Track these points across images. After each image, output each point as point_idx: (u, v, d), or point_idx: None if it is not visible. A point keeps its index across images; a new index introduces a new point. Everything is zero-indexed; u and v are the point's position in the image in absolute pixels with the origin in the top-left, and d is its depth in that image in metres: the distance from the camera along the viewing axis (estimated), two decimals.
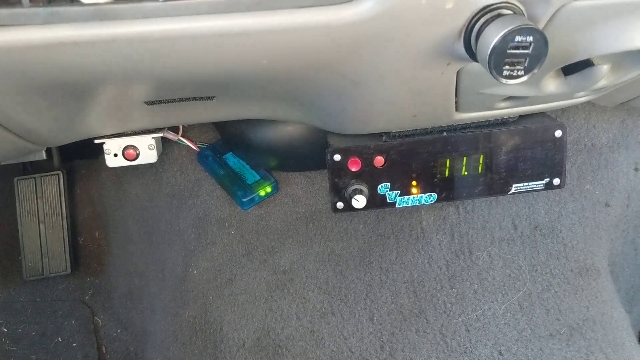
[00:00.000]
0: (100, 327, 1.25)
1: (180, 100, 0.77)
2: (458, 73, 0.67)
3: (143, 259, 1.21)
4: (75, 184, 1.29)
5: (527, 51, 0.52)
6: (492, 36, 0.52)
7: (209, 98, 0.77)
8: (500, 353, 1.00)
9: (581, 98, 0.81)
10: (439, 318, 1.04)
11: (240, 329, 1.04)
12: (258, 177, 1.12)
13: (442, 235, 1.10)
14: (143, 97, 0.73)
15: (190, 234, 1.14)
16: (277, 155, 1.08)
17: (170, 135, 1.07)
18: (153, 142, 0.99)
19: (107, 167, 1.00)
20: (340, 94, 0.70)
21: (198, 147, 1.15)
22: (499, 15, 0.53)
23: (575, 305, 1.04)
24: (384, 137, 0.89)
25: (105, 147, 0.98)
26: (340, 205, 0.92)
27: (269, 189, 1.12)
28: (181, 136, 1.10)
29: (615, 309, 1.06)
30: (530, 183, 0.92)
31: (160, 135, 1.00)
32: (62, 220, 1.23)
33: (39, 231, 1.23)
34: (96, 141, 0.96)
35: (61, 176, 1.22)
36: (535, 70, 0.54)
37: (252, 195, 1.10)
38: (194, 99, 0.77)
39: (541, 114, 0.92)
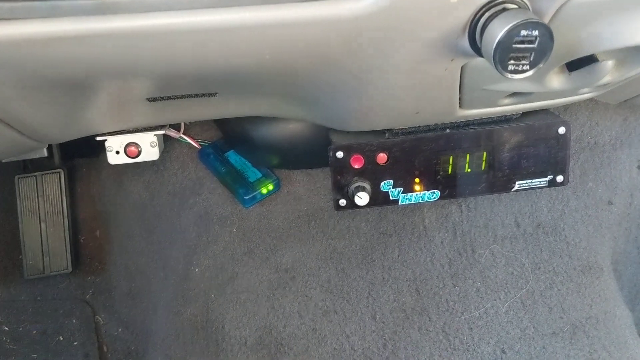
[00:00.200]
0: (102, 325, 1.25)
1: (182, 96, 0.76)
2: (462, 69, 0.66)
3: (144, 257, 1.21)
4: (76, 182, 1.29)
5: (533, 45, 0.52)
6: (497, 30, 0.51)
7: (210, 95, 0.77)
8: (503, 351, 1.00)
9: (585, 95, 0.81)
10: (442, 316, 1.03)
11: (242, 327, 1.04)
12: (260, 175, 1.12)
13: (445, 233, 1.09)
14: (145, 93, 0.73)
15: (191, 232, 1.13)
16: (279, 153, 1.08)
17: (172, 133, 1.07)
18: (155, 139, 0.99)
19: (108, 165, 1.00)
20: (343, 89, 0.70)
21: (200, 144, 1.15)
22: (504, 10, 0.53)
23: (578, 304, 1.04)
24: (386, 134, 0.89)
25: (106, 144, 0.97)
26: (342, 202, 0.92)
27: (270, 187, 1.11)
28: (183, 134, 1.10)
29: (618, 307, 1.06)
30: (533, 180, 0.92)
31: (162, 132, 1.00)
32: (63, 218, 1.23)
33: (40, 229, 1.22)
34: (98, 138, 0.95)
35: (62, 174, 1.22)
36: (541, 65, 0.53)
37: (254, 193, 1.10)
38: (196, 95, 0.77)
39: (544, 111, 0.92)
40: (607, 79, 0.72)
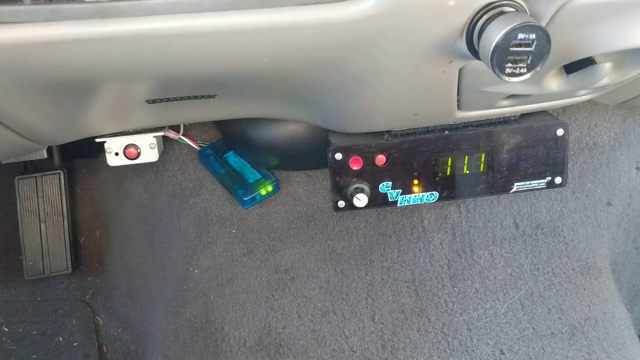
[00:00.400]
0: (101, 326, 1.25)
1: (182, 98, 0.77)
2: (460, 71, 0.67)
3: (144, 258, 1.21)
4: (75, 183, 1.29)
5: (530, 49, 0.52)
6: (495, 34, 0.51)
7: (210, 97, 0.77)
8: (501, 352, 1.00)
9: (583, 96, 0.81)
10: (441, 317, 1.03)
11: (241, 328, 1.04)
12: (259, 176, 1.12)
13: (444, 234, 1.10)
14: (144, 95, 0.73)
15: (191, 233, 1.13)
16: (278, 154, 1.08)
17: (171, 134, 1.07)
18: (154, 140, 0.99)
19: (108, 166, 1.00)
20: (342, 92, 0.70)
21: (199, 146, 1.15)
22: (502, 13, 0.53)
23: (577, 304, 1.04)
24: (385, 136, 0.89)
25: (106, 146, 0.98)
26: (341, 204, 0.92)
27: (270, 188, 1.11)
28: (182, 135, 1.10)
29: (617, 308, 1.06)
30: (532, 182, 0.92)
31: (161, 134, 1.00)
32: (62, 219, 1.23)
33: (40, 230, 1.22)
34: (97, 140, 0.96)
35: (62, 175, 1.22)
36: (538, 68, 0.54)
37: (253, 194, 1.10)
38: (195, 97, 0.77)
39: (543, 113, 0.92)
40: (605, 81, 0.72)
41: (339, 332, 1.03)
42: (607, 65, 0.70)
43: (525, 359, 0.99)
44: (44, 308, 1.25)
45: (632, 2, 0.58)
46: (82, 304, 1.26)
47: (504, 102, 0.79)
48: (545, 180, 0.93)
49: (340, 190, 0.91)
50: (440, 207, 1.11)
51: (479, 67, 0.64)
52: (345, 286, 1.07)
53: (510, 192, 0.93)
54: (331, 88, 0.70)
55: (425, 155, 0.89)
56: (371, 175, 0.90)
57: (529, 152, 0.90)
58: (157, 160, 1.02)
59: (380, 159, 0.89)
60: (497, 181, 0.92)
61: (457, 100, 0.75)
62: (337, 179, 0.91)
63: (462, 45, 0.57)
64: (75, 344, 1.23)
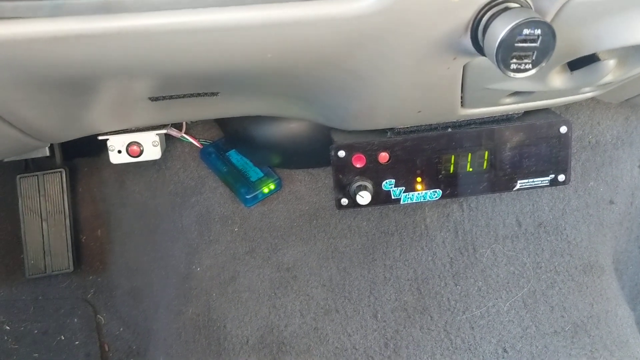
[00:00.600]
0: (103, 325, 1.25)
1: (184, 96, 0.77)
2: (464, 68, 0.66)
3: (146, 256, 1.21)
4: (77, 182, 1.28)
5: (535, 44, 0.52)
6: (500, 29, 0.51)
7: (212, 94, 0.77)
8: (504, 350, 1.00)
9: (586, 94, 0.81)
10: (443, 315, 1.03)
11: (243, 326, 1.04)
12: (261, 174, 1.12)
13: (446, 232, 1.10)
14: (147, 92, 0.73)
15: (193, 232, 1.13)
16: (280, 152, 1.08)
17: (174, 132, 1.07)
18: (157, 138, 0.99)
19: (110, 164, 1.00)
20: (345, 88, 0.70)
21: (201, 144, 1.15)
22: (507, 9, 0.53)
23: (579, 303, 1.04)
24: (388, 133, 0.89)
25: (109, 143, 0.97)
26: (344, 201, 0.92)
27: (272, 186, 1.11)
28: (184, 133, 1.10)
29: (619, 306, 1.06)
30: (535, 179, 0.92)
31: (163, 131, 1.00)
32: (64, 218, 1.23)
33: (41, 229, 1.22)
34: (100, 137, 0.96)
35: (63, 174, 1.22)
36: (543, 64, 0.53)
37: (256, 193, 1.10)
38: (198, 95, 0.77)
39: (546, 110, 0.92)
40: (608, 78, 0.72)
41: (341, 330, 1.03)
42: (611, 62, 0.69)
43: (528, 357, 0.99)
44: (46, 307, 1.25)
45: None
46: (84, 303, 1.26)
47: (508, 100, 0.79)
48: (548, 178, 0.92)
49: (343, 188, 0.91)
50: (442, 205, 1.11)
51: (483, 64, 0.64)
52: (348, 284, 1.07)
53: (513, 189, 0.93)
54: (334, 85, 0.70)
55: (428, 153, 0.89)
56: (374, 173, 0.90)
57: (532, 149, 0.90)
58: (159, 159, 1.02)
59: (383, 157, 0.89)
60: (500, 179, 0.92)
61: (461, 98, 0.75)
62: (340, 176, 0.91)
63: (467, 41, 0.57)
64: (76, 342, 1.23)
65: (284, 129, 1.03)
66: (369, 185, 0.90)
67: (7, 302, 1.25)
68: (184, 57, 0.55)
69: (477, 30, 0.55)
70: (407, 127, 0.88)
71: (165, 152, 1.14)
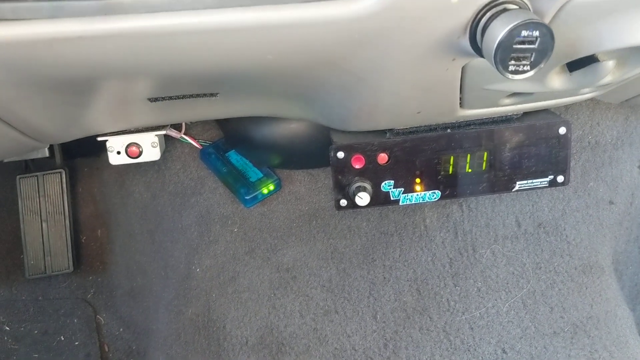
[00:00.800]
0: (103, 325, 1.25)
1: (184, 97, 0.77)
2: (463, 69, 0.66)
3: (145, 257, 1.21)
4: (77, 182, 1.29)
5: (534, 46, 0.52)
6: (498, 31, 0.51)
7: (212, 95, 0.77)
8: (503, 351, 1.00)
9: (586, 95, 0.81)
10: (443, 316, 1.03)
11: (243, 326, 1.04)
12: (261, 175, 1.12)
13: (446, 233, 1.10)
14: (146, 93, 0.73)
15: (193, 232, 1.13)
16: (280, 153, 1.08)
17: (173, 133, 1.07)
18: (156, 139, 0.99)
19: (109, 165, 1.00)
20: (345, 89, 0.70)
21: (201, 144, 1.15)
22: (505, 10, 0.53)
23: (579, 303, 1.04)
24: (387, 134, 0.89)
25: (108, 144, 0.97)
26: (343, 202, 0.92)
27: (272, 187, 1.11)
28: (184, 134, 1.10)
29: (619, 306, 1.06)
30: (534, 180, 0.92)
31: (163, 132, 1.00)
32: (64, 218, 1.23)
33: (41, 229, 1.22)
34: (99, 138, 0.96)
35: (63, 174, 1.22)
36: (542, 65, 0.53)
37: (255, 193, 1.10)
38: (197, 95, 0.77)
39: (545, 111, 0.92)
40: (608, 79, 0.72)
41: (341, 331, 1.03)
42: (610, 63, 0.70)
43: (528, 357, 0.99)
44: (46, 307, 1.25)
45: (635, 0, 0.58)
46: (84, 303, 1.26)
47: (507, 101, 0.79)
48: (547, 179, 0.92)
49: (343, 189, 0.91)
50: (442, 206, 1.11)
51: (482, 65, 0.64)
52: (347, 285, 1.07)
53: (513, 190, 0.93)
54: (334, 86, 0.70)
55: (427, 154, 0.89)
56: (373, 174, 0.90)
57: (532, 150, 0.90)
58: (159, 159, 1.02)
59: (383, 158, 0.89)
60: (500, 180, 0.92)
61: (460, 99, 0.75)
62: (339, 177, 0.91)
63: (465, 42, 0.57)
64: (76, 343, 1.23)
65: (284, 130, 1.03)
66: (368, 186, 0.90)
67: (7, 302, 1.25)
68: (183, 58, 0.55)
69: (475, 31, 0.55)
70: (406, 128, 0.88)
71: (165, 152, 1.14)
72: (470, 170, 0.91)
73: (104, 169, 1.26)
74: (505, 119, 0.89)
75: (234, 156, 1.15)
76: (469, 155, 0.90)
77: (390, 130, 0.88)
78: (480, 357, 1.00)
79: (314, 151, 1.05)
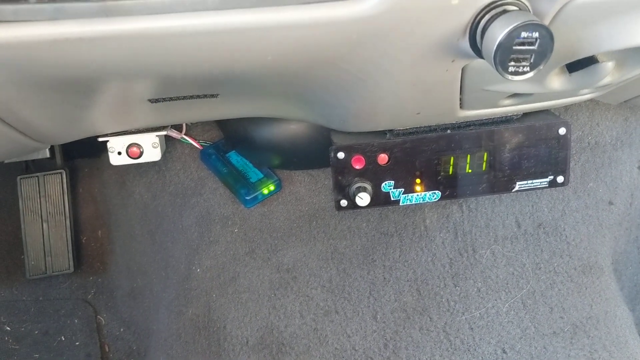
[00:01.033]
0: (103, 325, 1.25)
1: (184, 98, 0.77)
2: (463, 70, 0.67)
3: (146, 257, 1.21)
4: (78, 183, 1.29)
5: (533, 47, 0.52)
6: (498, 32, 0.52)
7: (212, 96, 0.77)
8: (503, 351, 1.00)
9: (585, 95, 0.81)
10: (443, 316, 1.04)
11: (243, 327, 1.04)
12: (261, 175, 1.12)
13: (446, 233, 1.10)
14: (147, 94, 0.73)
15: (193, 232, 1.14)
16: (280, 154, 1.08)
17: (174, 134, 1.07)
18: (157, 140, 0.99)
19: (110, 165, 1.00)
20: (345, 90, 0.70)
21: (201, 145, 1.15)
22: (505, 12, 0.53)
23: (578, 303, 1.04)
24: (387, 135, 0.90)
25: (109, 145, 0.98)
26: (344, 203, 0.92)
27: (272, 187, 1.12)
28: (184, 134, 1.10)
29: (618, 307, 1.06)
30: (534, 181, 0.92)
31: (163, 133, 1.00)
32: (65, 219, 1.23)
33: (42, 230, 1.23)
34: (100, 139, 0.96)
35: (64, 175, 1.22)
36: (541, 67, 0.54)
37: (256, 194, 1.10)
38: (198, 96, 0.77)
39: (545, 112, 0.92)
40: (607, 79, 0.72)
41: (341, 331, 1.03)
42: (609, 64, 0.70)
43: (527, 358, 0.99)
44: (46, 307, 1.26)
45: (635, 2, 0.58)
46: (84, 304, 1.26)
47: (507, 101, 0.79)
48: (547, 180, 0.93)
49: (343, 190, 0.91)
50: (442, 206, 1.11)
51: (482, 66, 0.65)
52: (348, 285, 1.07)
53: (512, 191, 0.93)
54: (333, 87, 0.70)
55: (427, 155, 0.90)
56: (373, 175, 0.91)
57: (531, 151, 0.90)
58: (160, 160, 1.02)
59: (383, 158, 0.89)
60: (499, 180, 0.92)
61: (460, 99, 0.75)
62: (340, 178, 0.91)
63: (465, 43, 0.57)
64: (77, 343, 1.23)
65: (284, 130, 1.04)
66: (368, 186, 0.90)
67: (8, 302, 1.25)
68: (184, 60, 0.55)
69: (475, 32, 0.55)
70: (406, 129, 0.88)
71: (165, 153, 1.14)
72: (470, 171, 0.91)
73: (104, 169, 1.26)
74: (505, 120, 0.89)
75: (234, 157, 1.15)
76: (468, 156, 0.90)
77: (390, 131, 0.89)
78: (480, 357, 1.00)
79: (314, 152, 1.05)
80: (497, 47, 0.52)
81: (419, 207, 1.11)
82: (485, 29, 0.53)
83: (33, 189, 1.22)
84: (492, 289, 1.06)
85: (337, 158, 0.89)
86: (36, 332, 1.24)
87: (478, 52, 0.56)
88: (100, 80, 0.64)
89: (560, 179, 0.93)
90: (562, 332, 1.02)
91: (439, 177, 0.91)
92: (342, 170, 0.90)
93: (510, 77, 0.54)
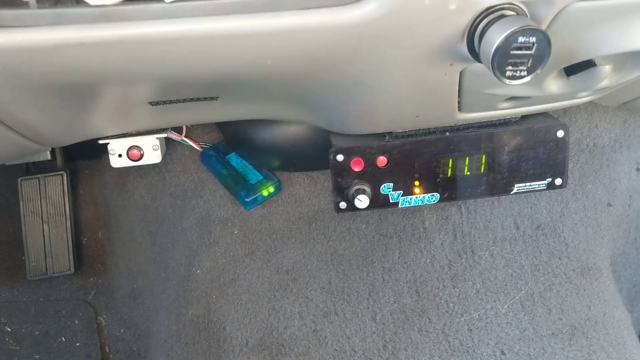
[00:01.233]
0: (104, 326, 1.26)
1: (184, 100, 0.77)
2: (461, 73, 0.67)
3: (146, 258, 1.21)
4: (78, 184, 1.29)
5: (530, 52, 0.52)
6: (495, 37, 0.52)
7: (212, 98, 0.77)
8: (502, 352, 1.00)
9: (583, 98, 0.82)
10: (442, 317, 1.04)
11: (243, 328, 1.04)
12: (261, 177, 1.13)
13: (445, 235, 1.10)
14: (147, 97, 0.74)
15: (193, 234, 1.14)
16: (280, 155, 1.09)
17: (174, 136, 1.08)
18: (157, 142, 0.99)
19: (110, 167, 1.00)
20: (344, 94, 0.71)
21: (201, 147, 1.16)
22: (502, 16, 0.53)
23: (577, 305, 1.05)
24: (386, 137, 0.90)
25: (109, 147, 0.98)
26: (343, 205, 0.92)
27: (271, 189, 1.12)
28: (184, 136, 1.10)
29: (617, 308, 1.06)
30: (532, 183, 0.93)
31: (164, 135, 1.01)
32: (65, 220, 1.23)
33: (43, 231, 1.23)
34: (100, 141, 0.96)
35: (65, 176, 1.23)
36: (538, 71, 0.54)
37: (255, 195, 1.11)
38: (198, 99, 0.77)
39: (543, 114, 0.93)
40: (605, 83, 0.73)
41: (340, 333, 1.03)
42: (607, 68, 0.70)
43: (526, 359, 1.00)
44: (47, 308, 1.26)
45: (632, 6, 0.59)
46: (85, 305, 1.27)
47: (505, 104, 0.79)
48: (545, 182, 0.93)
49: (342, 192, 0.92)
50: (441, 208, 1.12)
51: (480, 70, 0.65)
52: (347, 287, 1.07)
53: (511, 193, 0.93)
54: (333, 90, 0.70)
55: (426, 157, 0.90)
56: (372, 177, 0.91)
57: (530, 153, 0.91)
58: (160, 162, 1.02)
59: (382, 161, 0.90)
60: (498, 182, 0.92)
61: (458, 102, 0.75)
62: (339, 180, 0.91)
63: (463, 48, 0.58)
64: (77, 344, 1.23)
65: (284, 133, 1.04)
66: (367, 188, 0.90)
67: (9, 303, 1.26)
68: (184, 64, 0.56)
69: (473, 37, 0.56)
70: (405, 131, 0.88)
71: (165, 155, 1.14)
72: (468, 173, 0.92)
73: (104, 171, 1.27)
74: (504, 122, 0.89)
75: (234, 159, 1.15)
76: (467, 158, 0.90)
77: (389, 133, 0.89)
78: (479, 359, 1.00)
79: (313, 154, 1.05)
80: (494, 52, 0.52)
81: (418, 209, 1.12)
82: (483, 34, 0.54)
83: (34, 190, 1.22)
84: (491, 291, 1.06)
85: (336, 160, 0.90)
86: (37, 332, 1.24)
87: (476, 56, 0.56)
88: (101, 85, 0.64)
89: (558, 181, 0.93)
90: (560, 333, 1.02)
91: (438, 180, 0.92)
92: (342, 173, 0.91)
93: (507, 81, 0.54)
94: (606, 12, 0.59)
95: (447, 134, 0.89)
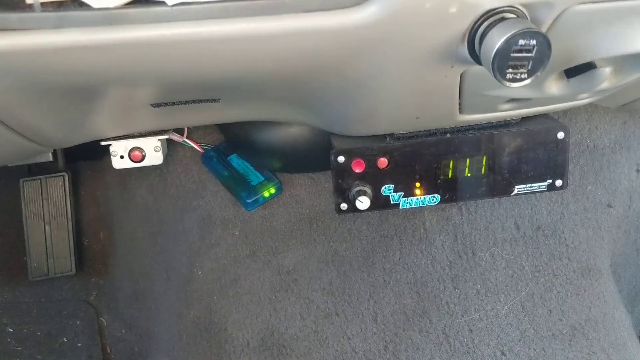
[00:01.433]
0: (105, 327, 1.26)
1: (186, 102, 0.77)
2: (461, 75, 0.67)
3: (148, 259, 1.22)
4: (80, 185, 1.29)
5: (531, 54, 0.53)
6: (496, 39, 0.52)
7: (214, 100, 0.78)
8: (502, 353, 1.01)
9: (583, 100, 0.82)
10: (442, 318, 1.04)
11: (244, 329, 1.04)
12: (262, 179, 1.13)
13: (445, 236, 1.10)
14: (149, 99, 0.74)
15: (194, 235, 1.14)
16: (281, 157, 1.09)
17: (175, 137, 1.08)
18: (159, 144, 1.00)
19: (112, 168, 1.01)
20: (345, 96, 0.71)
21: (202, 148, 1.16)
22: (503, 19, 0.53)
23: (577, 306, 1.05)
24: (387, 139, 0.90)
25: (111, 149, 0.98)
26: (344, 206, 0.93)
27: (273, 190, 1.12)
28: (186, 138, 1.10)
29: (617, 309, 1.06)
30: (532, 184, 0.93)
31: (165, 137, 1.01)
32: (67, 221, 1.23)
33: (44, 232, 1.23)
34: (102, 143, 0.96)
35: (66, 177, 1.23)
36: (539, 73, 0.54)
37: (256, 197, 1.11)
38: (200, 101, 0.78)
39: (543, 116, 0.93)
40: (605, 85, 0.73)
41: (341, 333, 1.03)
42: (607, 70, 0.70)
43: None
44: (49, 309, 1.26)
45: (632, 8, 0.59)
46: (86, 305, 1.27)
47: (505, 106, 0.79)
48: (545, 183, 0.93)
49: (343, 193, 0.92)
50: (441, 209, 1.12)
51: (481, 72, 0.65)
52: (348, 288, 1.07)
53: (511, 194, 0.93)
54: (334, 92, 0.70)
55: (427, 158, 0.90)
56: (373, 178, 0.91)
57: (530, 155, 0.91)
58: (161, 163, 1.03)
59: (383, 162, 0.90)
60: (498, 184, 0.93)
61: (459, 104, 0.76)
62: (340, 181, 0.91)
63: (464, 50, 0.58)
64: (79, 344, 1.23)
65: (285, 134, 1.04)
66: (368, 190, 0.91)
67: (11, 304, 1.26)
68: (187, 67, 0.56)
69: (473, 40, 0.56)
70: (406, 133, 0.88)
71: (167, 156, 1.15)
72: (469, 175, 0.92)
73: (106, 172, 1.27)
74: (504, 124, 0.90)
75: (235, 160, 1.15)
76: (468, 160, 0.91)
77: (390, 134, 0.89)
78: (479, 359, 1.00)
79: (314, 155, 1.05)
80: (495, 54, 0.52)
81: (418, 210, 1.12)
82: (484, 36, 0.54)
83: (36, 191, 1.22)
84: (492, 292, 1.06)
85: (337, 162, 0.90)
86: (38, 333, 1.24)
87: (476, 58, 0.57)
88: (104, 87, 0.64)
89: (558, 182, 0.93)
90: (560, 334, 1.02)
91: (439, 181, 0.92)
92: (343, 174, 0.91)
93: (508, 83, 0.54)
94: (606, 14, 0.59)
95: (448, 135, 0.89)
